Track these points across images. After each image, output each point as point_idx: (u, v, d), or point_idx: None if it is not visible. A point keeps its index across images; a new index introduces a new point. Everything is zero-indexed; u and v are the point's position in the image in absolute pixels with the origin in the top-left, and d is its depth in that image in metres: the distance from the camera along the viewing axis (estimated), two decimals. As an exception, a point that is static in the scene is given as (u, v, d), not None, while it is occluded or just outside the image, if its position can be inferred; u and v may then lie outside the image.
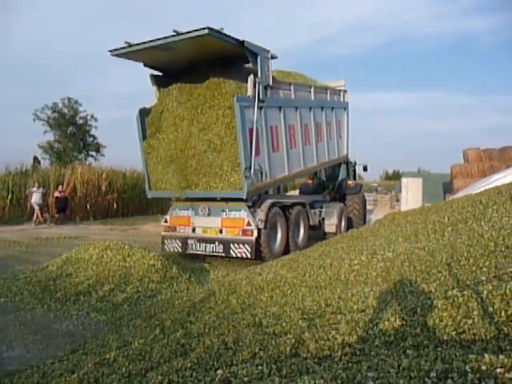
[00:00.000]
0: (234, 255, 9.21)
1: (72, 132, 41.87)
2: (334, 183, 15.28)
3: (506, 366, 1.74)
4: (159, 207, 23.53)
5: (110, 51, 9.11)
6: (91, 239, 12.39)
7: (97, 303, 6.32)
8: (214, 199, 9.39)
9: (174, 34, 8.18)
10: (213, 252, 9.45)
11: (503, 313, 2.44)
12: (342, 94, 14.47)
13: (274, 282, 5.25)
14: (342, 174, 15.49)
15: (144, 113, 10.06)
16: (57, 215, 18.62)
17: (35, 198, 17.38)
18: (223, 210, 9.40)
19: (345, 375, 1.94)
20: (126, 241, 11.33)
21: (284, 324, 3.20)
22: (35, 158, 39.50)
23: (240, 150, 8.59)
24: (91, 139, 43.17)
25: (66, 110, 41.30)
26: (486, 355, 1.87)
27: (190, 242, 9.75)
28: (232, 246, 9.17)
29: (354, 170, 16.63)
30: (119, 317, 5.69)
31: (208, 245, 9.48)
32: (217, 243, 9.37)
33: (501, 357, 1.83)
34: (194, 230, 9.81)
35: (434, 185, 26.89)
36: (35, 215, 17.44)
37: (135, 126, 10.10)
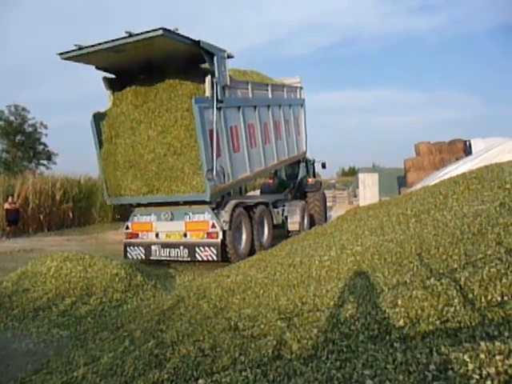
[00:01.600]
0: (199, 259, 9.05)
1: (21, 141, 39.93)
2: (294, 182, 15.30)
3: (504, 352, 1.74)
4: (118, 214, 22.87)
5: (60, 54, 8.72)
6: (48, 251, 11.79)
7: (58, 318, 5.97)
8: (176, 203, 9.19)
9: (127, 35, 7.93)
10: (178, 257, 9.24)
11: (483, 298, 2.47)
12: (298, 90, 14.54)
13: (245, 283, 5.15)
14: (302, 172, 15.56)
15: (99, 117, 9.70)
16: (8, 228, 17.67)
17: (-17, 211, 16.42)
18: (186, 214, 9.22)
19: (340, 375, 1.88)
20: (85, 251, 10.91)
21: (262, 326, 3.11)
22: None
23: (201, 152, 8.46)
24: (42, 147, 41.37)
25: (13, 118, 39.36)
26: (482, 343, 1.87)
27: (153, 248, 9.50)
28: (197, 249, 9.01)
29: (313, 168, 16.74)
30: (84, 331, 5.40)
31: (172, 250, 9.27)
32: (181, 248, 9.17)
33: (497, 343, 1.82)
34: (157, 235, 9.57)
35: (389, 179, 27.75)
36: (-16, 229, 16.48)
37: (90, 132, 9.71)
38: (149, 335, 4.14)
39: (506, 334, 1.92)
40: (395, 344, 2.19)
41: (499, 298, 2.42)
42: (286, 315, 3.27)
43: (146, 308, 5.61)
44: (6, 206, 17.46)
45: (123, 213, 22.84)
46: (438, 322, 2.35)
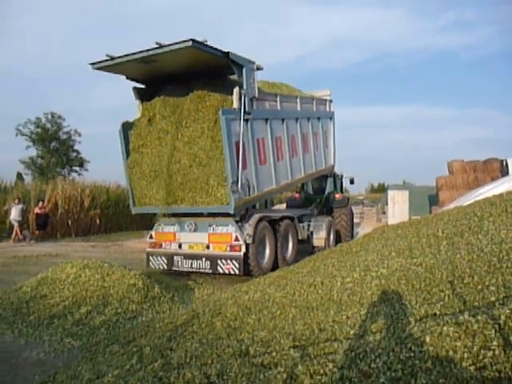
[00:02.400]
0: (221, 271, 8.94)
1: (55, 147, 41.21)
2: (321, 196, 15.13)
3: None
4: (143, 223, 23.00)
5: (92, 64, 8.91)
6: (72, 257, 11.90)
7: (72, 327, 5.86)
8: (200, 214, 9.15)
9: (157, 46, 8.02)
10: (199, 269, 9.17)
11: (527, 343, 2.15)
12: (327, 103, 14.40)
13: (262, 301, 4.91)
14: (329, 187, 15.37)
15: (127, 127, 9.82)
16: (37, 232, 18.02)
17: (14, 214, 16.78)
18: (210, 225, 9.16)
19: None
20: (108, 258, 10.95)
21: (274, 354, 2.86)
22: (19, 175, 38.74)
23: (227, 164, 8.40)
24: (75, 154, 42.53)
25: (49, 125, 40.68)
26: None
27: (176, 258, 9.47)
28: (219, 262, 8.91)
29: (341, 183, 16.54)
30: (95, 342, 5.25)
31: (194, 261, 9.21)
32: (204, 259, 9.11)
33: None
34: (180, 246, 9.55)
35: (420, 197, 26.97)
36: (14, 232, 16.81)
37: (118, 141, 9.84)
38: (157, 353, 3.95)
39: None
40: (421, 392, 1.91)
41: (547, 344, 2.10)
42: (302, 342, 3.01)
43: (159, 322, 5.42)
44: (37, 210, 17.84)
45: (149, 222, 23.05)
46: (472, 368, 2.04)
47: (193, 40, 7.66)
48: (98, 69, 9.00)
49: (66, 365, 4.55)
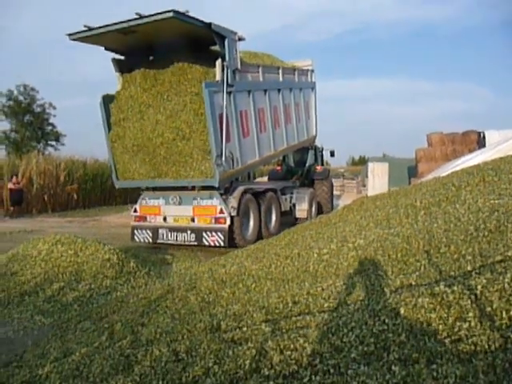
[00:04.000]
0: (206, 244, 9.09)
1: (29, 121, 39.77)
2: (302, 169, 15.13)
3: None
4: (122, 198, 22.67)
5: (69, 35, 8.63)
6: (47, 233, 11.59)
7: (44, 304, 5.69)
8: (185, 188, 9.15)
9: (137, 17, 7.77)
10: (185, 241, 9.30)
11: (505, 313, 2.05)
12: (309, 73, 14.24)
13: (238, 275, 4.80)
14: (310, 160, 15.38)
15: (108, 100, 9.62)
16: (12, 208, 17.53)
17: (-14, 190, 16.27)
18: (195, 199, 9.23)
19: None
20: (84, 233, 10.73)
21: (245, 328, 2.75)
22: (-9, 149, 37.46)
23: (210, 138, 8.39)
24: (50, 128, 41.21)
25: (22, 98, 39.13)
26: None
27: (161, 231, 9.57)
28: (204, 234, 9.02)
29: (322, 156, 16.56)
30: (67, 319, 5.09)
31: (180, 234, 9.34)
32: (189, 232, 9.23)
33: None
34: (165, 219, 9.60)
35: (400, 169, 27.17)
36: (-14, 209, 16.35)
37: (99, 114, 9.65)
38: (128, 329, 3.82)
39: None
40: (393, 367, 1.80)
41: (524, 315, 2.01)
42: (274, 316, 2.90)
43: (133, 297, 5.28)
44: (10, 185, 17.31)
45: (128, 196, 22.72)
46: (447, 341, 1.96)
47: (174, 11, 7.53)
48: (76, 40, 8.72)
49: (35, 343, 4.39)
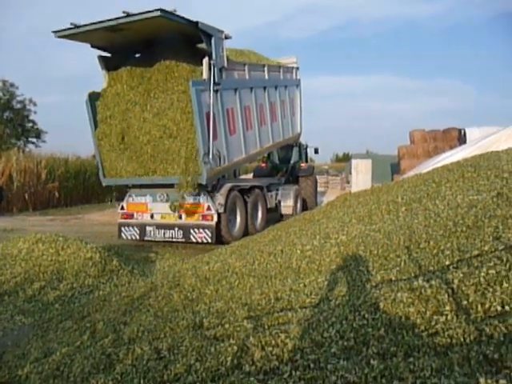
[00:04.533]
0: (194, 240, 9.15)
1: (9, 117, 39.01)
2: (287, 166, 15.29)
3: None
4: (104, 196, 22.43)
5: (55, 32, 8.60)
6: (28, 231, 11.40)
7: (24, 304, 5.60)
8: (172, 185, 9.12)
9: (125, 15, 7.79)
10: (172, 238, 9.37)
11: (480, 307, 2.10)
12: (294, 71, 14.35)
13: (221, 272, 4.80)
14: (295, 157, 15.56)
15: (94, 97, 9.58)
16: (-9, 206, 17.18)
17: (-36, 188, 15.89)
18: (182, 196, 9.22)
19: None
20: (66, 231, 10.57)
21: (227, 325, 2.75)
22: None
23: (198, 136, 8.46)
24: (30, 125, 40.48)
25: (0, 94, 38.36)
26: (482, 379, 1.50)
27: (148, 228, 9.61)
28: (192, 231, 9.13)
29: (306, 153, 16.74)
30: (48, 319, 5.03)
31: (167, 231, 9.40)
32: (176, 229, 9.31)
33: (502, 382, 1.46)
34: (152, 216, 9.65)
35: (383, 166, 27.43)
36: (-35, 207, 15.99)
37: (85, 112, 9.61)
38: (110, 328, 3.79)
39: (509, 361, 1.56)
40: (372, 361, 1.83)
41: (499, 308, 2.05)
42: (256, 313, 2.92)
43: (116, 296, 5.24)
44: (-11, 183, 16.95)
45: (111, 194, 22.48)
46: (425, 335, 1.99)
47: (161, 10, 7.53)
48: (62, 37, 8.69)
49: (15, 343, 4.32)
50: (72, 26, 8.34)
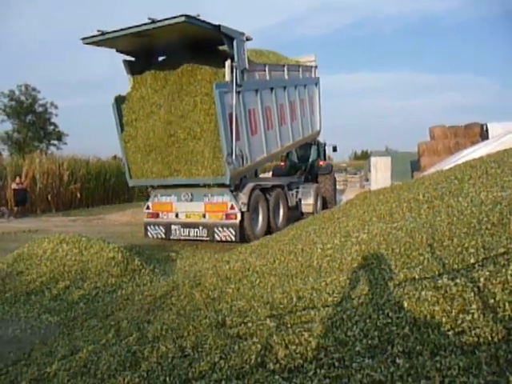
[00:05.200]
0: (218, 239, 9.30)
1: (31, 121, 39.92)
2: (305, 164, 15.29)
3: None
4: (126, 196, 22.75)
5: (83, 39, 8.87)
6: (52, 232, 11.65)
7: (50, 303, 5.74)
8: (196, 185, 9.41)
9: (150, 21, 8.01)
10: (197, 236, 9.55)
11: (507, 305, 2.06)
12: (313, 69, 14.42)
13: (242, 271, 4.83)
14: (313, 155, 15.53)
15: (120, 100, 9.84)
16: (15, 208, 17.62)
17: (-11, 191, 16.35)
18: (205, 195, 9.49)
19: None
20: (88, 232, 10.78)
21: (250, 324, 2.77)
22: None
23: (221, 137, 8.62)
24: (52, 128, 41.34)
25: (23, 98, 39.26)
26: None
27: (173, 227, 9.83)
28: (216, 229, 9.29)
29: (324, 151, 16.65)
30: (73, 317, 5.13)
31: (192, 229, 9.55)
32: (201, 228, 9.47)
33: None
34: (177, 215, 9.85)
35: (402, 163, 27.13)
36: (-10, 209, 16.44)
37: (112, 115, 9.88)
38: (134, 326, 3.85)
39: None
40: (397, 360, 1.82)
41: (527, 306, 2.02)
42: (279, 311, 2.93)
43: (138, 295, 5.32)
44: (14, 186, 17.39)
45: (132, 195, 22.79)
46: (451, 333, 1.97)
47: (186, 15, 7.73)
48: (89, 43, 8.98)
49: (43, 341, 4.43)
50: (99, 33, 8.61)
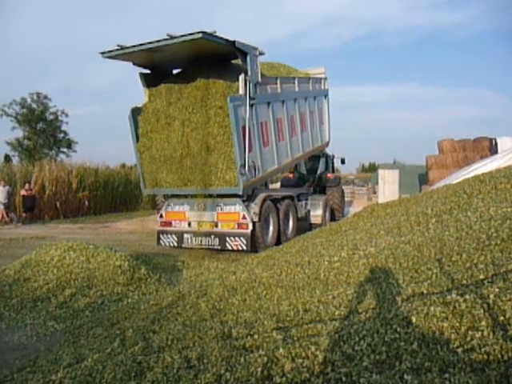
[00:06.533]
0: (229, 248, 9.46)
1: (42, 128, 40.40)
2: (313, 176, 15.39)
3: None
4: (133, 205, 22.85)
5: (102, 53, 9.22)
6: (59, 239, 11.71)
7: (56, 310, 5.75)
8: (209, 195, 9.58)
9: (168, 37, 8.29)
10: (209, 245, 9.68)
11: (518, 323, 2.05)
12: (322, 81, 14.67)
13: (248, 282, 4.81)
14: (322, 167, 15.65)
15: (136, 112, 10.10)
16: (24, 214, 17.75)
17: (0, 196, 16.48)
18: (218, 205, 9.70)
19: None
20: (95, 240, 10.84)
21: (256, 336, 2.76)
22: (7, 156, 38.07)
23: (235, 149, 8.88)
24: (62, 135, 41.78)
25: (35, 106, 39.78)
26: None
27: (186, 236, 10.02)
28: (228, 239, 9.46)
29: (333, 163, 16.70)
30: (79, 325, 5.14)
31: (204, 238, 9.72)
32: (213, 237, 9.63)
33: None
34: (189, 224, 10.05)
35: (410, 176, 27.07)
36: (0, 215, 16.54)
37: (128, 125, 10.16)
38: (140, 335, 3.85)
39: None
40: (406, 376, 1.80)
41: (538, 325, 1.99)
42: (285, 324, 2.91)
43: (144, 304, 5.31)
44: (23, 192, 17.53)
45: (140, 204, 22.87)
46: (460, 350, 1.95)
47: (203, 32, 7.98)
48: (108, 57, 9.31)
49: (48, 349, 4.44)
50: (118, 48, 8.91)
